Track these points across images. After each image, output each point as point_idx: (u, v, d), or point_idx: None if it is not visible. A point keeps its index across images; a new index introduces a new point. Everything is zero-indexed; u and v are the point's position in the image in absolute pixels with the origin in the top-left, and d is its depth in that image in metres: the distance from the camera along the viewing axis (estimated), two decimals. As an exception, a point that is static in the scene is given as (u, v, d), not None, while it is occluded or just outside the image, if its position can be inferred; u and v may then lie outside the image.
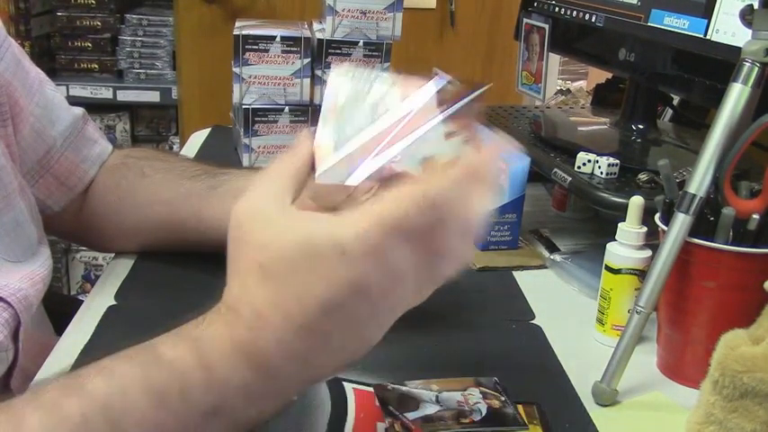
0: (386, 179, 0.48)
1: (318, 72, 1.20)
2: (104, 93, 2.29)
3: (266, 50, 1.17)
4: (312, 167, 0.50)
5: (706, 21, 0.85)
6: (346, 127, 0.49)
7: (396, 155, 0.48)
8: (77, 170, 0.88)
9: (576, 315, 0.85)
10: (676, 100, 1.21)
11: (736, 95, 0.68)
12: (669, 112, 1.23)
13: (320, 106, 0.50)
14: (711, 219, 0.70)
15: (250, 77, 1.18)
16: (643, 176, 0.88)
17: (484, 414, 0.63)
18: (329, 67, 1.19)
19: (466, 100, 0.49)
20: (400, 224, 0.45)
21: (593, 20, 1.04)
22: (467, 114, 0.49)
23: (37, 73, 0.85)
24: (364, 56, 1.20)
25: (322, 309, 0.46)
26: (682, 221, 0.69)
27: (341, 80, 0.49)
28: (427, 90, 0.49)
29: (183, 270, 0.87)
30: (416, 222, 0.45)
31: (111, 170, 0.90)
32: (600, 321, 0.80)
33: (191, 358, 0.48)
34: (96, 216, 0.90)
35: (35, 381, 0.69)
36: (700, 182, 0.69)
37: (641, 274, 0.76)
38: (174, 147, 2.38)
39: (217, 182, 0.86)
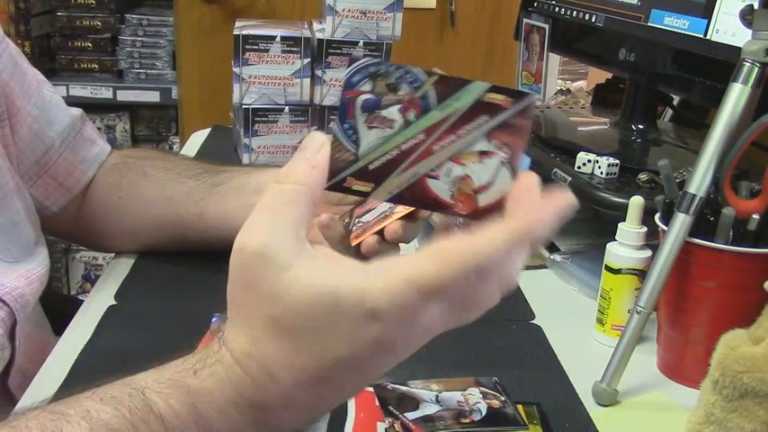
0: (418, 200, 0.43)
1: (318, 72, 1.20)
2: (104, 93, 2.29)
3: (266, 50, 1.17)
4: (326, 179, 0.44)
5: (706, 21, 0.85)
6: (370, 133, 0.43)
7: (430, 169, 0.43)
8: (76, 171, 0.88)
9: (576, 315, 0.85)
10: (676, 100, 1.21)
11: (736, 95, 0.68)
12: (669, 112, 1.23)
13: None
14: (711, 219, 0.70)
15: (250, 77, 1.18)
16: (643, 176, 0.88)
17: (484, 414, 0.63)
18: (329, 67, 1.19)
19: (511, 112, 0.42)
20: (439, 289, 0.40)
21: (593, 20, 1.04)
22: (510, 131, 0.42)
23: (34, 74, 0.85)
24: (364, 56, 1.20)
25: (342, 366, 0.42)
26: (682, 221, 0.69)
27: (363, 76, 0.43)
28: (468, 94, 0.42)
29: (183, 270, 0.87)
30: (456, 287, 0.41)
31: (111, 170, 0.90)
32: (600, 321, 0.80)
33: (185, 414, 0.43)
34: (96, 216, 0.89)
35: (36, 381, 0.69)
36: (700, 182, 0.69)
37: (641, 274, 0.76)
38: (174, 147, 2.38)
39: (218, 180, 0.86)
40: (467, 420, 0.62)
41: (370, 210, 0.56)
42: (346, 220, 0.57)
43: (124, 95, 2.30)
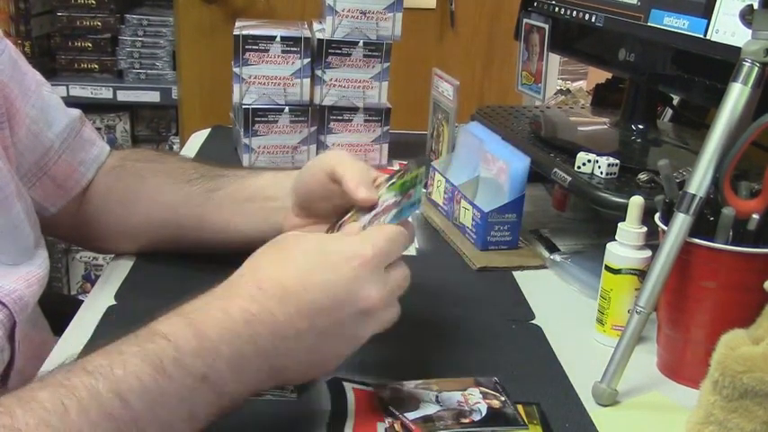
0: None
1: (318, 72, 1.20)
2: (104, 93, 2.29)
3: (266, 50, 1.17)
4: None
5: (706, 21, 0.85)
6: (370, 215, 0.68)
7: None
8: (75, 173, 0.88)
9: (576, 315, 0.85)
10: (676, 100, 1.21)
11: (736, 95, 0.68)
12: (669, 112, 1.23)
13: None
14: (711, 219, 0.70)
15: (250, 77, 1.18)
16: (643, 176, 0.88)
17: (484, 414, 0.63)
18: (329, 67, 1.20)
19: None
20: (391, 243, 0.62)
21: (592, 20, 1.04)
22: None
23: (33, 74, 0.85)
24: (364, 56, 1.20)
25: (321, 299, 0.58)
26: (682, 221, 0.69)
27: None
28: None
29: (184, 270, 0.87)
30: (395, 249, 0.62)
31: (109, 173, 0.90)
32: (600, 321, 0.80)
33: (184, 329, 0.54)
34: (95, 218, 0.89)
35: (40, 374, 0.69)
36: (700, 182, 0.69)
37: (641, 274, 0.76)
38: (174, 147, 2.38)
39: (214, 185, 0.86)
40: (467, 420, 0.62)
41: (355, 222, 0.69)
42: (332, 232, 0.72)
43: (124, 96, 2.30)
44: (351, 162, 0.72)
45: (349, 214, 0.72)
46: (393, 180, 0.70)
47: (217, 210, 0.85)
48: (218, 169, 0.89)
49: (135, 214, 0.88)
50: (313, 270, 0.58)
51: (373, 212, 0.68)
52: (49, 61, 2.33)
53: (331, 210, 0.75)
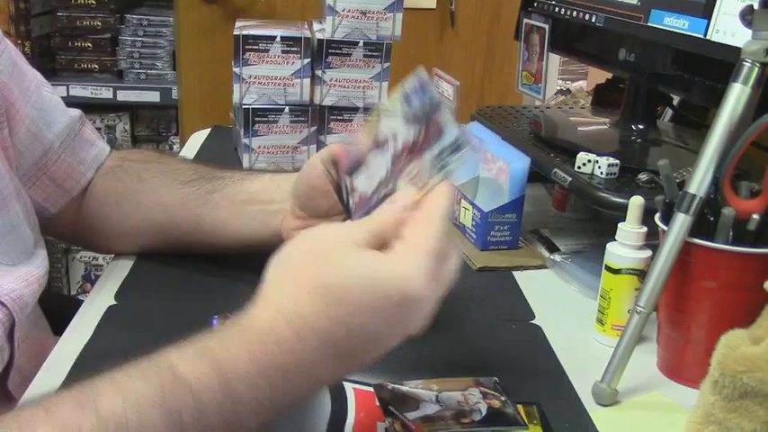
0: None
1: (318, 72, 1.20)
2: (104, 93, 2.29)
3: (266, 50, 1.17)
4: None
5: (706, 21, 0.85)
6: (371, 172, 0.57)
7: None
8: (74, 173, 0.88)
9: (576, 315, 0.85)
10: (676, 100, 1.21)
11: (736, 96, 0.68)
12: (669, 112, 1.23)
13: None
14: (711, 219, 0.70)
15: (250, 77, 1.18)
16: (643, 176, 0.88)
17: (484, 414, 0.63)
18: (329, 67, 1.19)
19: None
20: (441, 243, 0.51)
21: (592, 20, 1.04)
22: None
23: (34, 75, 0.85)
24: (364, 56, 1.20)
25: (366, 343, 0.51)
26: (682, 221, 0.69)
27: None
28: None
29: (184, 270, 0.87)
30: (443, 239, 0.52)
31: (108, 174, 0.90)
32: (600, 321, 0.80)
33: (210, 379, 0.48)
34: (94, 219, 0.89)
35: (36, 382, 0.69)
36: (700, 182, 0.69)
37: (641, 274, 0.76)
38: (175, 147, 2.38)
39: (211, 187, 0.86)
40: (467, 420, 0.62)
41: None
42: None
43: (124, 96, 2.30)
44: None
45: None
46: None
47: (214, 212, 0.85)
48: (216, 171, 0.89)
49: (133, 215, 0.88)
50: (356, 314, 0.49)
51: (385, 167, 0.56)
52: (49, 61, 2.33)
53: (333, 207, 0.75)
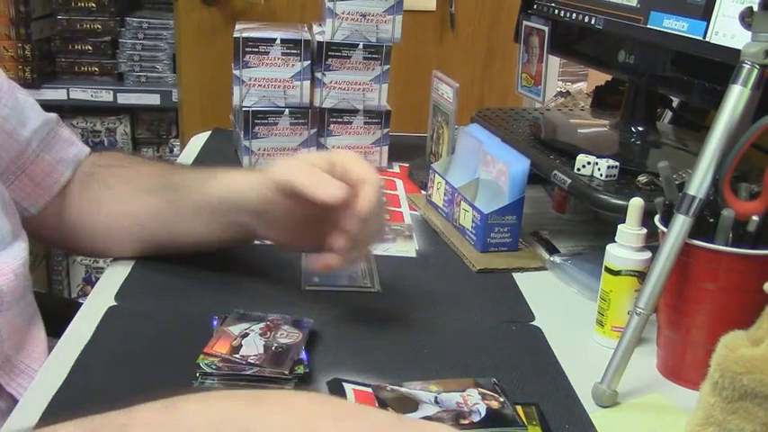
0: None
1: (318, 74, 1.20)
2: (105, 96, 2.29)
3: (266, 53, 1.17)
4: None
5: (705, 23, 0.85)
6: None
7: None
8: (54, 171, 0.88)
9: (576, 316, 0.85)
10: (676, 102, 1.21)
11: (736, 97, 0.68)
12: (669, 113, 1.23)
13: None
14: (711, 220, 0.70)
15: (250, 80, 1.18)
16: (643, 178, 0.88)
17: (483, 415, 0.63)
18: (329, 70, 1.20)
19: None
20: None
21: (592, 22, 1.05)
22: None
23: (6, 78, 0.86)
24: (364, 58, 1.20)
25: None
26: (681, 223, 0.69)
27: None
28: None
29: (184, 271, 0.87)
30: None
31: (84, 180, 0.91)
32: (600, 323, 0.80)
33: None
34: (75, 226, 0.90)
35: (36, 382, 0.69)
36: (699, 183, 0.69)
37: (641, 275, 0.76)
38: (175, 149, 2.38)
39: (176, 198, 0.85)
40: (466, 421, 0.62)
41: None
42: None
43: (124, 98, 2.31)
44: (290, 168, 0.74)
45: None
46: None
47: (185, 223, 0.85)
48: (177, 175, 0.88)
49: (104, 223, 0.88)
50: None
51: None
52: (49, 64, 2.33)
53: (306, 215, 0.77)
